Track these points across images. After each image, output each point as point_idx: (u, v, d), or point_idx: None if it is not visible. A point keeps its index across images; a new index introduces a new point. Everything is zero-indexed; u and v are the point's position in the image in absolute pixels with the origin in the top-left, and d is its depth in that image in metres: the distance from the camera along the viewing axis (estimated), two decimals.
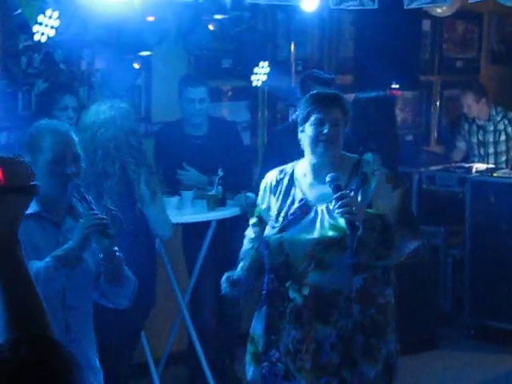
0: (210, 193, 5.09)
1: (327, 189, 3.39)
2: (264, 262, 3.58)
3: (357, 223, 3.28)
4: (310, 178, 3.53)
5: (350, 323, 3.42)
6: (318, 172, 3.49)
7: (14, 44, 4.87)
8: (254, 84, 5.81)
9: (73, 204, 3.16)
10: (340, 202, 3.28)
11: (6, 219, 1.78)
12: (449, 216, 6.73)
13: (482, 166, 6.92)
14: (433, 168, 7.02)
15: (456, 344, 6.33)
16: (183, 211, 5.05)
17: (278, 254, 3.47)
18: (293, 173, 3.57)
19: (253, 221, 3.68)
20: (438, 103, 7.98)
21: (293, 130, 5.13)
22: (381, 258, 3.40)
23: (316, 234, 3.42)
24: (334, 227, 3.40)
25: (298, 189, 3.52)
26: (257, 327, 3.58)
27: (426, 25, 7.49)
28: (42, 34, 4.26)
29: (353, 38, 6.86)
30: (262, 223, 3.62)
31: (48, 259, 3.03)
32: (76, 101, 4.89)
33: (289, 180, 3.56)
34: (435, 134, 8.01)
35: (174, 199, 5.03)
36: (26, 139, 3.16)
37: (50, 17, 4.18)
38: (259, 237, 3.60)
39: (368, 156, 3.61)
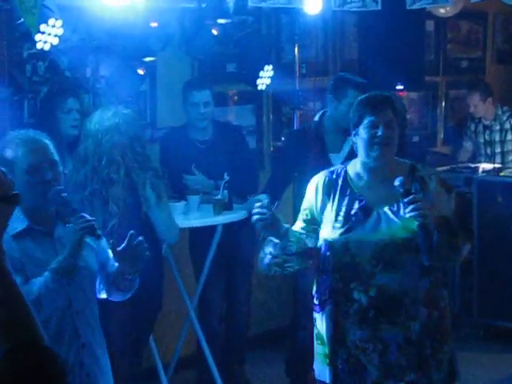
0: (216, 197, 5.09)
1: (386, 190, 3.41)
2: (309, 253, 3.54)
3: (429, 227, 3.29)
4: (365, 179, 3.53)
5: (417, 326, 3.43)
6: (374, 174, 3.50)
7: (18, 52, 4.89)
8: (258, 88, 5.81)
9: (58, 210, 3.13)
10: (413, 206, 3.28)
11: None
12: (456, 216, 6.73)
13: (488, 166, 6.91)
14: (439, 168, 7.01)
15: (465, 345, 6.30)
16: (190, 216, 5.06)
17: (344, 254, 3.45)
18: (346, 174, 3.56)
19: (301, 224, 3.61)
20: (443, 104, 7.98)
21: (315, 131, 5.15)
22: (450, 260, 3.46)
23: (385, 235, 3.41)
24: (403, 228, 3.40)
25: (353, 189, 3.52)
26: (324, 327, 3.55)
27: (430, 25, 7.49)
28: (45, 42, 4.26)
29: (357, 39, 6.86)
30: (313, 224, 3.58)
31: (46, 273, 3.03)
32: (79, 104, 4.91)
33: (343, 181, 3.54)
34: (441, 135, 8.01)
35: (181, 204, 5.04)
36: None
37: (53, 26, 4.19)
38: (309, 235, 3.56)
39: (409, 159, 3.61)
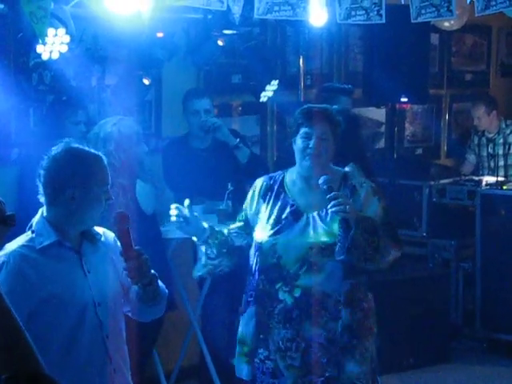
0: (220, 207, 5.11)
1: (317, 196, 3.57)
2: (236, 251, 3.71)
3: (350, 222, 3.45)
4: (299, 185, 3.70)
5: (339, 325, 3.56)
6: (306, 180, 3.67)
7: (24, 61, 4.91)
8: (261, 100, 5.86)
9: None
10: (334, 202, 3.45)
11: None
12: (459, 229, 6.73)
13: (491, 179, 6.92)
14: (443, 181, 7.02)
15: (468, 357, 6.31)
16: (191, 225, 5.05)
17: (271, 255, 3.60)
18: (283, 179, 3.74)
19: (238, 224, 3.78)
20: (447, 116, 8.00)
21: None
22: (368, 260, 3.53)
23: (310, 239, 3.57)
24: (327, 233, 3.57)
25: (287, 194, 3.68)
26: (246, 327, 3.69)
27: (435, 38, 7.51)
28: (51, 51, 4.29)
29: (361, 52, 6.89)
30: (247, 227, 3.75)
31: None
32: (86, 115, 4.94)
33: (279, 186, 3.72)
34: (445, 148, 8.03)
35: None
36: (60, 165, 2.97)
37: (55, 35, 4.21)
38: (240, 234, 3.73)
39: (350, 167, 3.71)
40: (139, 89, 5.56)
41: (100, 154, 3.05)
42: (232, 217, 5.14)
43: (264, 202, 3.71)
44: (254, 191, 3.77)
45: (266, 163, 6.03)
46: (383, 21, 4.65)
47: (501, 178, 6.98)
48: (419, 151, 7.78)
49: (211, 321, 5.49)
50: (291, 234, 3.60)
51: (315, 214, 3.60)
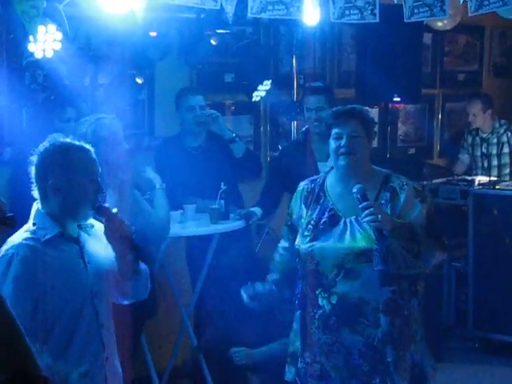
0: (213, 206, 5.11)
1: (356, 200, 3.48)
2: (296, 272, 3.69)
3: (384, 231, 3.38)
4: (338, 189, 3.64)
5: (379, 333, 3.50)
6: (346, 183, 3.60)
7: (18, 60, 4.90)
8: (253, 99, 5.86)
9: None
10: (366, 211, 3.39)
11: None
12: (452, 229, 6.74)
13: (484, 179, 6.93)
14: (436, 181, 7.03)
15: (460, 357, 6.32)
16: (186, 225, 5.06)
17: (309, 262, 3.56)
18: (323, 183, 3.68)
19: (286, 228, 3.78)
20: (440, 116, 8.01)
21: (302, 142, 5.30)
22: (409, 267, 3.48)
23: (346, 244, 3.51)
24: (364, 238, 3.49)
25: (327, 198, 3.63)
26: (294, 329, 3.69)
27: (428, 38, 7.52)
28: (44, 50, 4.28)
29: (354, 51, 6.89)
30: (294, 232, 3.70)
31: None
32: (76, 112, 4.91)
33: (319, 190, 3.67)
34: (438, 147, 8.04)
35: (177, 213, 5.04)
36: (42, 159, 3.05)
37: (46, 32, 4.20)
38: (291, 247, 3.71)
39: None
40: (132, 88, 5.56)
41: (86, 146, 3.10)
42: (224, 216, 5.17)
43: (305, 206, 3.66)
44: (296, 195, 3.73)
45: (260, 160, 6.04)
46: (377, 20, 4.66)
47: (494, 178, 6.99)
48: (412, 151, 7.79)
49: (204, 319, 5.49)
50: (328, 240, 3.54)
51: (353, 218, 3.53)
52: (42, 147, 3.06)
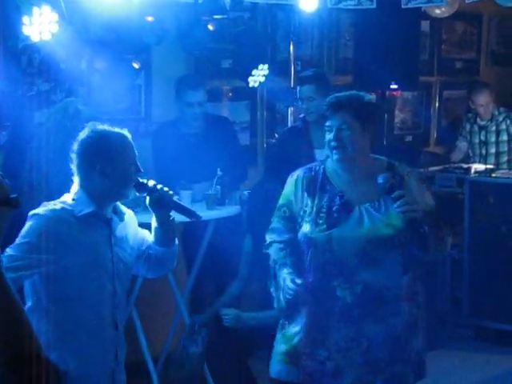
0: (209, 192, 5.10)
1: (366, 187, 3.43)
2: (301, 262, 3.52)
3: (418, 220, 3.32)
4: (344, 176, 3.53)
5: (399, 321, 3.46)
6: (350, 171, 3.51)
7: (13, 44, 4.88)
8: (250, 85, 5.83)
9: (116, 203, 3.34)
10: (399, 202, 3.31)
11: None
12: (448, 216, 6.73)
13: (480, 167, 6.93)
14: (432, 168, 7.03)
15: (455, 345, 6.33)
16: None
17: (327, 251, 3.43)
18: (324, 170, 3.56)
19: (280, 221, 3.61)
20: (437, 104, 8.00)
21: (300, 129, 5.28)
22: (438, 252, 3.50)
23: (369, 232, 3.41)
24: (387, 225, 3.41)
25: (334, 186, 3.51)
26: (294, 326, 3.54)
27: (425, 25, 7.50)
28: (41, 32, 4.26)
29: (352, 38, 6.87)
30: (293, 223, 3.56)
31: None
32: (66, 95, 4.91)
33: (322, 177, 3.54)
34: (434, 135, 8.03)
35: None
36: (86, 147, 3.22)
37: (41, 14, 4.18)
38: (293, 238, 3.54)
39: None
40: (129, 73, 5.54)
41: (123, 131, 3.28)
42: (220, 202, 5.16)
43: (308, 194, 3.52)
44: (295, 185, 3.57)
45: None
46: (374, 6, 4.67)
47: (490, 166, 6.99)
48: (409, 138, 7.78)
49: (199, 306, 5.49)
50: (346, 228, 3.41)
51: (367, 205, 3.44)
52: (83, 135, 3.23)
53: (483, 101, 7.31)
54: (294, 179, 3.59)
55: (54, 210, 3.17)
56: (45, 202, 3.23)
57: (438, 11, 6.78)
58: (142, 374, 5.15)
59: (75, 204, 3.20)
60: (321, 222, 3.45)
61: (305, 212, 3.50)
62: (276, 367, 3.59)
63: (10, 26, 4.74)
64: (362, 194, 3.46)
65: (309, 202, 3.51)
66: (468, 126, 7.53)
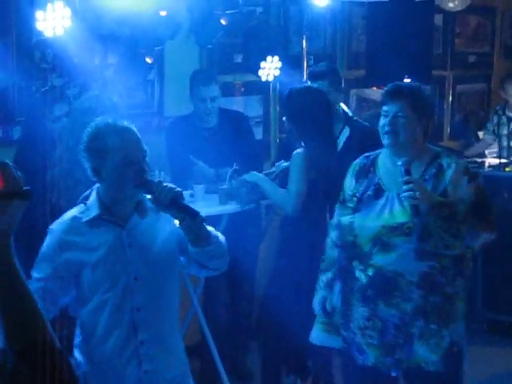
0: (223, 186, 5.10)
1: (400, 176, 3.50)
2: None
3: (420, 208, 3.38)
4: (387, 164, 3.67)
5: (410, 307, 3.51)
6: (393, 160, 3.61)
7: (27, 39, 4.90)
8: (263, 79, 5.82)
9: (141, 199, 3.14)
10: (405, 187, 3.40)
11: (4, 224, 1.73)
12: None
13: (494, 161, 6.90)
14: None
15: (468, 338, 6.29)
16: (195, 205, 5.03)
17: (348, 233, 3.62)
18: (375, 158, 3.71)
19: (337, 208, 3.79)
20: (450, 98, 7.98)
21: None
22: (447, 247, 3.48)
23: (384, 218, 3.53)
24: (402, 212, 3.50)
25: (375, 174, 3.66)
26: (334, 299, 3.74)
27: (438, 19, 7.48)
28: (54, 27, 4.27)
29: (365, 32, 6.85)
30: (347, 208, 3.73)
31: None
32: (78, 90, 4.91)
33: (370, 165, 3.70)
34: (448, 129, 8.01)
35: (186, 193, 5.02)
36: (88, 143, 3.08)
37: (54, 9, 4.19)
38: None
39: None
40: (142, 67, 5.54)
41: (129, 125, 3.09)
42: (234, 197, 5.15)
43: (355, 181, 3.70)
44: (349, 171, 3.77)
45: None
46: None
47: (504, 160, 6.96)
48: None
49: (212, 300, 5.50)
50: (369, 213, 3.57)
51: (394, 192, 3.55)
52: (90, 129, 3.08)
53: None
54: (352, 166, 3.78)
55: (63, 222, 3.11)
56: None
57: (451, 5, 6.76)
58: None
59: (86, 208, 3.12)
60: (350, 205, 3.65)
61: (350, 196, 3.69)
62: (318, 334, 3.80)
63: (23, 22, 4.76)
64: (396, 182, 3.55)
65: (352, 188, 3.69)
66: (496, 119, 7.51)
